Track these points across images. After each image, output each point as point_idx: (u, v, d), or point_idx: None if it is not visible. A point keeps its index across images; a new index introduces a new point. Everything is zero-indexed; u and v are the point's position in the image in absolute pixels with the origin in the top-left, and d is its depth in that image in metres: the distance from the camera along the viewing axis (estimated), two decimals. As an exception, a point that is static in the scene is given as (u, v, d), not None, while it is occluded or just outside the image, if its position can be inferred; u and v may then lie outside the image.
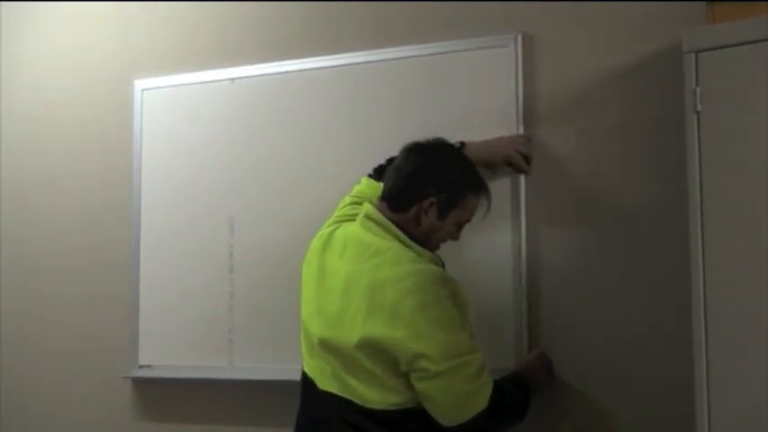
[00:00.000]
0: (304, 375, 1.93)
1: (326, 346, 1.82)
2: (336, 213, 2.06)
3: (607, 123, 2.15)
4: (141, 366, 2.62)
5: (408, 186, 1.86)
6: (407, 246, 1.82)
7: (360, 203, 2.02)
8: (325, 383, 1.84)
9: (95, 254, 2.77)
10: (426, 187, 1.84)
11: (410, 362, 1.70)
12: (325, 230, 1.99)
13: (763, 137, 1.69)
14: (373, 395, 1.76)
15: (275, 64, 2.52)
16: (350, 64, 2.42)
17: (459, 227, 1.92)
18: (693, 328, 1.73)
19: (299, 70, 2.48)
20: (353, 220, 1.95)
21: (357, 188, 2.14)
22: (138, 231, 2.66)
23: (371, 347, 1.73)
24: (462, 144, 2.12)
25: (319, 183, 2.40)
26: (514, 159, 2.16)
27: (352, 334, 1.75)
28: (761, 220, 1.68)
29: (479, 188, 1.91)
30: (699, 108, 1.76)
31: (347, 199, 2.10)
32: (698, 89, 1.76)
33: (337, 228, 1.96)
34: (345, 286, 1.80)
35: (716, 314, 1.72)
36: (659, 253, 2.07)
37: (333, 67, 2.44)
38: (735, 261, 1.71)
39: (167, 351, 2.59)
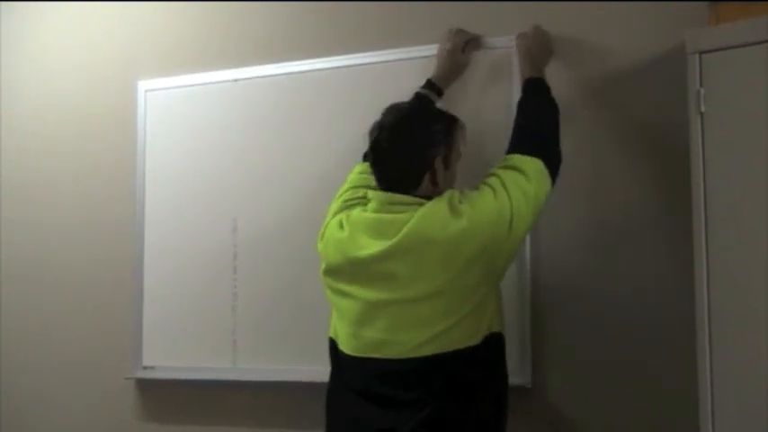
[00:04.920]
0: (359, 358, 1.86)
1: (392, 306, 1.80)
2: (336, 205, 2.03)
3: (610, 124, 2.15)
4: (145, 367, 2.62)
5: (409, 162, 1.85)
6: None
7: (357, 188, 2.02)
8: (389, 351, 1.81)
9: (99, 254, 2.78)
10: (426, 152, 1.84)
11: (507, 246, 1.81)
12: (341, 216, 1.94)
13: (766, 137, 1.69)
14: (442, 340, 1.76)
15: (279, 65, 2.52)
16: (352, 65, 2.42)
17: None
18: (697, 327, 1.73)
19: (303, 71, 2.48)
20: (360, 203, 1.94)
21: (351, 177, 2.13)
22: (142, 232, 2.66)
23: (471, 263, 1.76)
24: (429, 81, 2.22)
25: (323, 184, 2.39)
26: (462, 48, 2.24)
27: (436, 279, 1.77)
28: (765, 220, 1.68)
29: (456, 121, 1.93)
30: (703, 109, 1.76)
31: (344, 186, 2.09)
32: (702, 90, 1.76)
33: (349, 214, 1.92)
34: (403, 252, 1.78)
35: (720, 315, 1.71)
36: (663, 255, 2.07)
37: (336, 68, 2.44)
38: (739, 261, 1.71)
39: (171, 352, 2.59)
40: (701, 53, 1.76)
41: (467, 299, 1.78)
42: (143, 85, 2.72)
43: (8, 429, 2.88)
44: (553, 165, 1.92)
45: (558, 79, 2.19)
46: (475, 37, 2.27)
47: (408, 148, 1.85)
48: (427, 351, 1.76)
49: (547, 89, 2.07)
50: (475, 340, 1.78)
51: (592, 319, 2.14)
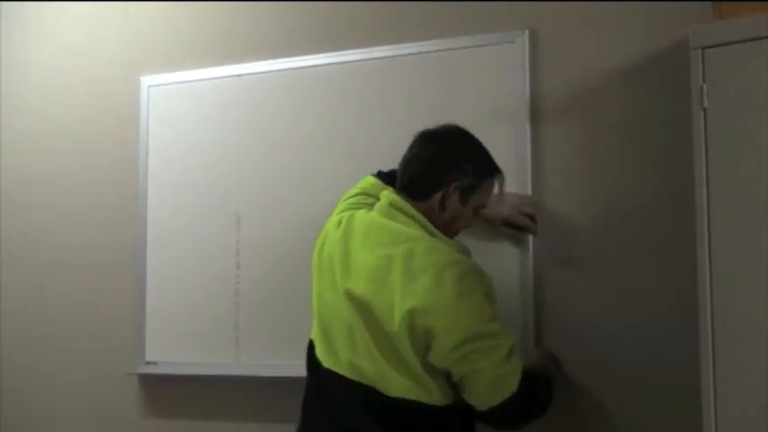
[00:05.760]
0: (322, 368, 1.85)
1: (354, 330, 1.76)
2: (342, 205, 2.01)
3: (614, 120, 2.15)
4: (148, 363, 2.63)
5: (430, 172, 1.83)
6: (434, 236, 1.79)
7: (368, 195, 1.99)
8: (349, 371, 1.78)
9: (102, 250, 2.78)
10: (449, 172, 1.82)
11: (441, 347, 1.69)
12: (342, 215, 1.91)
13: (769, 133, 1.70)
14: (395, 382, 1.72)
15: (282, 60, 2.52)
16: (357, 60, 2.42)
17: (476, 212, 1.90)
18: (700, 326, 1.73)
19: (306, 66, 2.48)
20: (366, 206, 1.92)
21: (361, 184, 2.10)
22: (145, 228, 2.66)
23: (407, 331, 1.69)
24: None
25: (326, 179, 2.40)
26: (516, 221, 2.13)
27: (388, 318, 1.71)
28: (768, 216, 1.69)
29: (498, 171, 1.90)
30: (705, 104, 1.76)
31: (353, 190, 2.06)
32: (704, 86, 1.76)
33: (353, 214, 1.89)
34: (375, 272, 1.74)
35: (723, 312, 1.72)
36: (665, 251, 2.07)
37: (340, 63, 2.44)
38: (742, 258, 1.71)
39: (174, 347, 2.59)
40: (703, 48, 1.77)
41: (408, 356, 1.71)
42: (146, 80, 2.72)
43: (9, 427, 2.88)
44: (511, 410, 1.75)
45: (561, 75, 2.21)
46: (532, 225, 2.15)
47: (436, 155, 1.84)
48: (381, 387, 1.73)
49: (551, 388, 1.92)
50: (427, 399, 1.72)
51: (592, 317, 2.14)
